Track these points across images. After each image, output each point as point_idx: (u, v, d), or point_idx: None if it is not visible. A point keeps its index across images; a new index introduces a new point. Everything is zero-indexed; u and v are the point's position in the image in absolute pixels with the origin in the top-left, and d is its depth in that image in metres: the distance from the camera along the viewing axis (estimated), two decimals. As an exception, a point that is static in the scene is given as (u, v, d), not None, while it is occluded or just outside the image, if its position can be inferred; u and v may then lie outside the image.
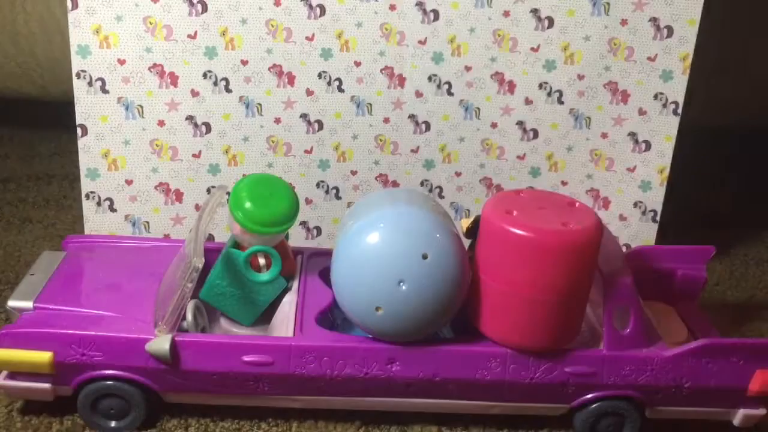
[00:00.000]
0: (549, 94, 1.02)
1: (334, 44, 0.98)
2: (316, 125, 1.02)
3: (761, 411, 0.79)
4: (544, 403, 0.78)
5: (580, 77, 1.01)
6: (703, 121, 1.40)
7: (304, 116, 1.01)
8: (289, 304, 0.81)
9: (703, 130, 1.41)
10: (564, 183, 1.07)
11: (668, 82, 1.02)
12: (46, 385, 0.75)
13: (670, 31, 0.99)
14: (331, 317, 0.82)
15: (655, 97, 1.02)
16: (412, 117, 1.02)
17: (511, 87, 1.01)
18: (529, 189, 0.89)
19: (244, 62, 0.98)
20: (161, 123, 1.00)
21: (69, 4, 0.94)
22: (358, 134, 1.03)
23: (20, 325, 0.75)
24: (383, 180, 1.06)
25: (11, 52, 1.39)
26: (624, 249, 1.06)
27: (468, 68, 1.00)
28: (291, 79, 0.99)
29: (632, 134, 1.04)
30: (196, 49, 0.97)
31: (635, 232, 1.09)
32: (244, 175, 0.95)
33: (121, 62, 0.97)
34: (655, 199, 1.07)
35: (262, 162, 1.03)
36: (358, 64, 0.99)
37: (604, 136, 1.04)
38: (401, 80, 1.00)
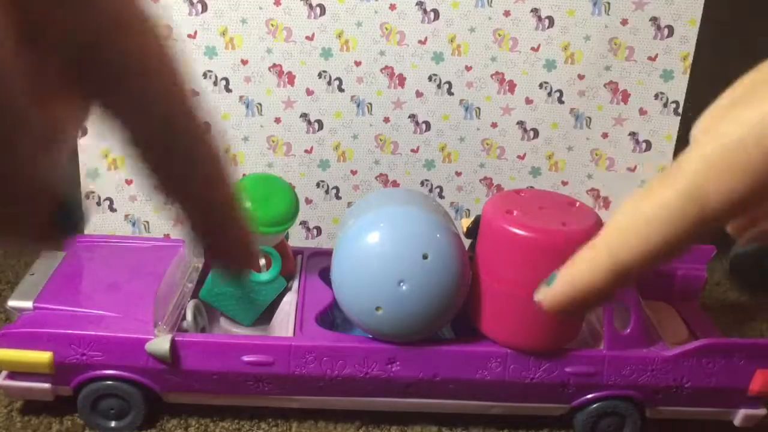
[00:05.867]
0: (549, 94, 1.02)
1: (334, 44, 0.98)
2: (316, 125, 1.02)
3: (761, 411, 0.79)
4: (544, 403, 0.78)
5: (581, 77, 1.01)
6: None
7: (304, 116, 1.01)
8: (289, 304, 0.81)
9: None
10: (564, 183, 1.07)
11: (669, 81, 1.01)
12: (46, 385, 0.75)
13: (671, 30, 0.99)
14: (331, 317, 0.82)
15: (656, 96, 1.02)
16: (412, 117, 1.02)
17: (512, 87, 1.01)
18: (530, 189, 0.88)
19: (244, 62, 0.98)
20: (161, 123, 1.00)
21: (69, 4, 0.94)
22: (358, 134, 1.03)
23: (20, 325, 0.75)
24: (383, 180, 1.06)
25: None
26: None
27: (468, 68, 1.00)
28: (291, 79, 0.99)
29: (633, 134, 1.04)
30: (197, 48, 0.97)
31: (635, 231, 1.09)
32: (243, 175, 0.95)
33: (121, 62, 0.96)
34: (656, 198, 1.07)
35: (262, 162, 1.03)
36: (358, 63, 0.99)
37: (605, 135, 1.04)
38: (401, 80, 1.00)
